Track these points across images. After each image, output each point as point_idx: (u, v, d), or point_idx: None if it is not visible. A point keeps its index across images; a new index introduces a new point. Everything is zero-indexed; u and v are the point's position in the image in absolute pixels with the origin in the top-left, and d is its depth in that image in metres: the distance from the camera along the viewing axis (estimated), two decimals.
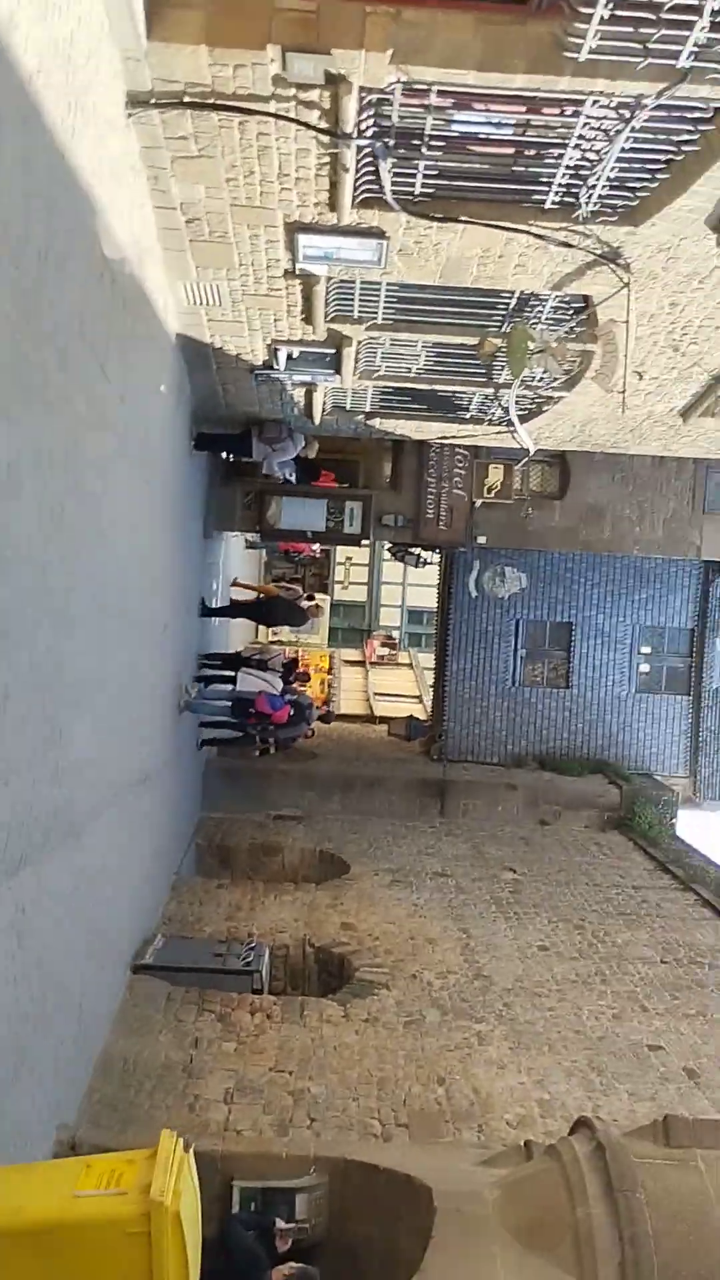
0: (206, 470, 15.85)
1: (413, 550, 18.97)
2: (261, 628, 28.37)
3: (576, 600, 21.16)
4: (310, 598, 21.21)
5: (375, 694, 30.35)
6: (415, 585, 38.46)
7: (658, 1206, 5.71)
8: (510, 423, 13.20)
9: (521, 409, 13.32)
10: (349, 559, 39.40)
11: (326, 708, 21.78)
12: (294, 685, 16.93)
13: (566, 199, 8.63)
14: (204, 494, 16.01)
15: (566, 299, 10.52)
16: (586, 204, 8.58)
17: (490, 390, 12.88)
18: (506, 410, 12.99)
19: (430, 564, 20.66)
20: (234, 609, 18.18)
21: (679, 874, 16.61)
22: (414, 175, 8.44)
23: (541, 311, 10.69)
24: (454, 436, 14.85)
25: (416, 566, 19.59)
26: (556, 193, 8.55)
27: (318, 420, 14.20)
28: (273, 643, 29.16)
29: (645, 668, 21.85)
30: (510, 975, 11.79)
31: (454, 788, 19.63)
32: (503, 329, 10.68)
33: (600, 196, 8.50)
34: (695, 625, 21.66)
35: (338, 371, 12.33)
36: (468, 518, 16.74)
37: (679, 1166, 6.00)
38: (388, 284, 10.52)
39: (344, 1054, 9.55)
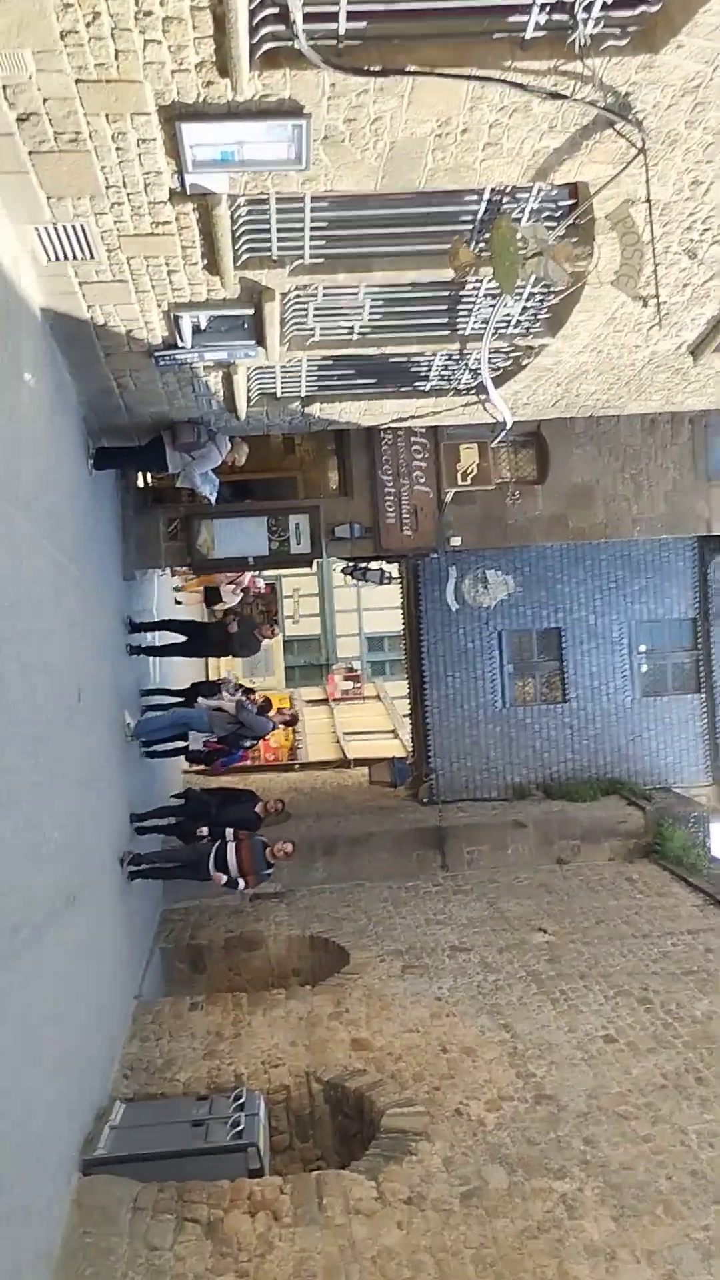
0: (115, 496, 12.95)
1: (372, 566, 16.16)
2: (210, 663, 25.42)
3: (562, 601, 18.60)
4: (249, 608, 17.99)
5: (345, 734, 27.52)
6: (371, 610, 35.87)
7: None
8: (482, 387, 10.58)
9: (494, 369, 10.68)
10: (296, 590, 36.64)
11: (293, 711, 18.81)
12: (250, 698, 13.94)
13: (554, 19, 6.02)
14: (117, 526, 13.12)
15: (551, 194, 7.88)
16: (585, 23, 5.98)
17: (455, 346, 10.19)
18: (478, 370, 10.35)
19: (394, 579, 17.85)
20: (168, 643, 14.75)
21: None
22: (336, 5, 5.80)
23: (519, 216, 8.02)
24: (411, 417, 12.14)
25: (380, 584, 16.73)
26: (541, 9, 5.94)
27: (243, 415, 11.39)
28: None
29: (646, 667, 19.36)
30: (581, 1090, 9.01)
31: (454, 834, 16.90)
32: (474, 243, 8.00)
33: (604, 7, 5.89)
34: (696, 613, 19.20)
35: (260, 342, 9.59)
36: (436, 516, 14.00)
37: None
38: (313, 201, 7.81)
39: (388, 1268, 6.71)
